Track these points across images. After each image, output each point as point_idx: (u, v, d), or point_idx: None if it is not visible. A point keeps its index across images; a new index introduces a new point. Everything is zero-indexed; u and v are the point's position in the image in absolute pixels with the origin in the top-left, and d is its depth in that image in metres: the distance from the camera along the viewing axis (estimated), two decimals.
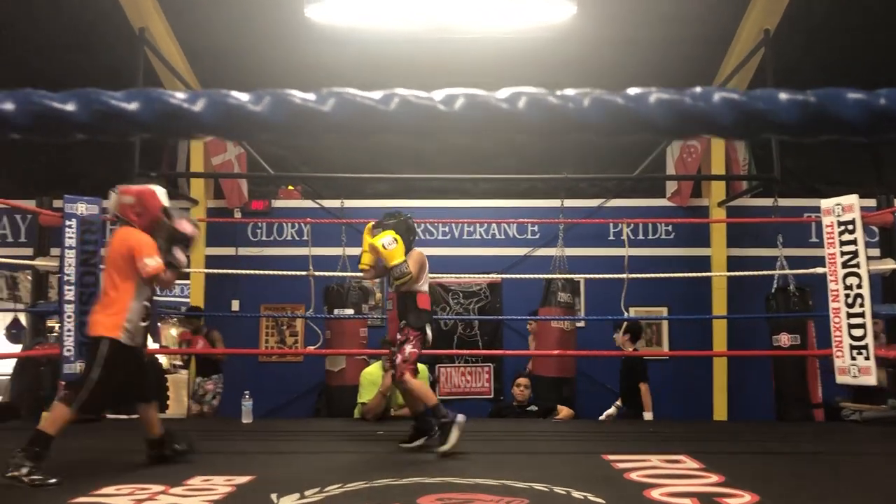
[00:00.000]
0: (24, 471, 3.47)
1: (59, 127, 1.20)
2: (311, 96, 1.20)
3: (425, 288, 4.70)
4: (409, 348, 4.54)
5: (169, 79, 7.88)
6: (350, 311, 7.05)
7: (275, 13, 7.53)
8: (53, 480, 3.50)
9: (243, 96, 1.20)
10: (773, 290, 6.90)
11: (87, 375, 3.81)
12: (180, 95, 1.20)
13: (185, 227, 4.02)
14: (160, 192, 4.06)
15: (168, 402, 8.07)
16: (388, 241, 4.48)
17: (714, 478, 3.63)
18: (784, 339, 6.66)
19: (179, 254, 3.98)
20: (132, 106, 1.17)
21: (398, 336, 4.64)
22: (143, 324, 3.95)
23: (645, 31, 7.69)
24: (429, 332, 4.60)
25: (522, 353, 7.88)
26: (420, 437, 4.60)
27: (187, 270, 8.32)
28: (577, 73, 7.72)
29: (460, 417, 4.35)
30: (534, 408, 6.28)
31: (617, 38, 7.76)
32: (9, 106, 1.15)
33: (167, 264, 3.89)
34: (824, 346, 6.08)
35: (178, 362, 8.21)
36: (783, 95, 1.22)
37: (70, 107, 1.16)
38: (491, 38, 7.57)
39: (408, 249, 4.61)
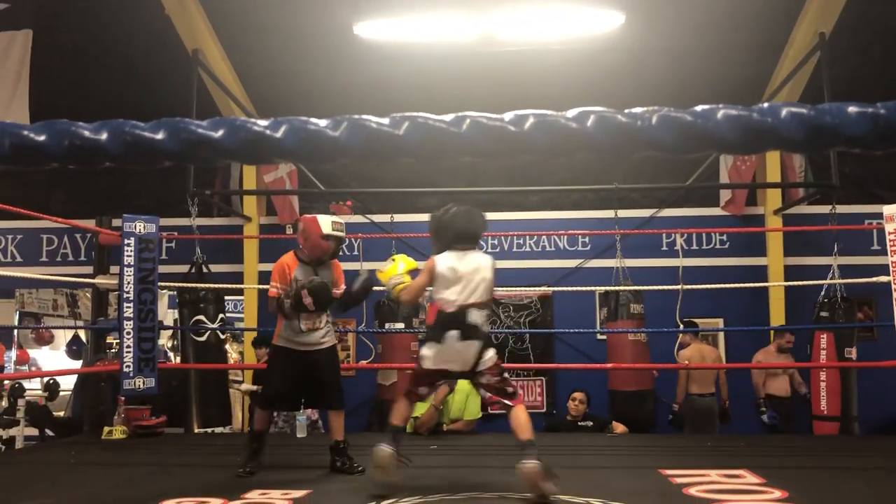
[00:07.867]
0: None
1: (149, 156, 1.23)
2: (385, 121, 1.22)
3: (438, 296, 3.78)
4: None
5: (222, 99, 8.06)
6: (401, 326, 7.08)
7: (324, 32, 7.66)
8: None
9: (322, 122, 1.22)
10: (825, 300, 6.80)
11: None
12: (262, 123, 1.23)
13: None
14: (322, 220, 4.34)
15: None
16: (385, 265, 4.05)
17: (777, 493, 3.55)
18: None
19: (307, 297, 4.17)
20: (218, 134, 1.20)
21: None
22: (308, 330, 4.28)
23: (694, 39, 7.57)
24: (424, 350, 3.74)
25: (574, 367, 7.81)
26: None
27: (243, 287, 8.51)
28: (625, 83, 7.66)
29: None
30: (588, 423, 6.21)
31: (666, 46, 7.66)
32: (104, 136, 1.19)
33: (295, 301, 4.17)
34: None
35: (237, 378, 8.28)
36: (852, 109, 1.19)
37: (160, 136, 1.19)
38: (539, 49, 7.56)
39: (444, 247, 3.84)
